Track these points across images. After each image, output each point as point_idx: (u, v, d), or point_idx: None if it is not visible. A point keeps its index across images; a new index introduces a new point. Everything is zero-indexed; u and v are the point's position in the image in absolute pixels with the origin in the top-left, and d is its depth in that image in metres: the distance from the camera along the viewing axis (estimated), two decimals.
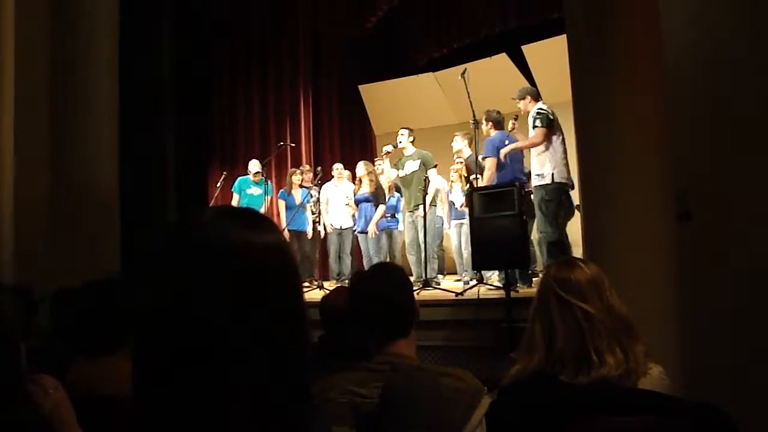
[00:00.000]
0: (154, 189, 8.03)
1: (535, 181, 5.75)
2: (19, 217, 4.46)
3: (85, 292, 2.26)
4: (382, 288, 1.97)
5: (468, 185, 6.89)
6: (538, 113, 5.75)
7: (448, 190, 8.03)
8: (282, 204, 8.21)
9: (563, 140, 5.68)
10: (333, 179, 8.39)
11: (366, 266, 7.63)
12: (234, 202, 7.98)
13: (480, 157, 6.54)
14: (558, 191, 5.63)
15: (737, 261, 3.68)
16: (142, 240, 4.82)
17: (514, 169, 6.30)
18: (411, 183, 7.24)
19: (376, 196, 7.81)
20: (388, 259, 7.85)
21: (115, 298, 2.11)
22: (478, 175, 6.50)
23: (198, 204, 8.81)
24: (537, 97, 6.01)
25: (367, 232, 7.77)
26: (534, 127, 5.72)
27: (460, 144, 7.34)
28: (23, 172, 4.56)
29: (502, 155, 6.15)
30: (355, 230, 8.10)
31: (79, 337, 2.20)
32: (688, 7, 3.95)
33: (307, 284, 7.90)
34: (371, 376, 1.82)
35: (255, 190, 8.18)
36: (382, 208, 7.79)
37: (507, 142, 6.34)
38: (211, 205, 8.42)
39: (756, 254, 3.65)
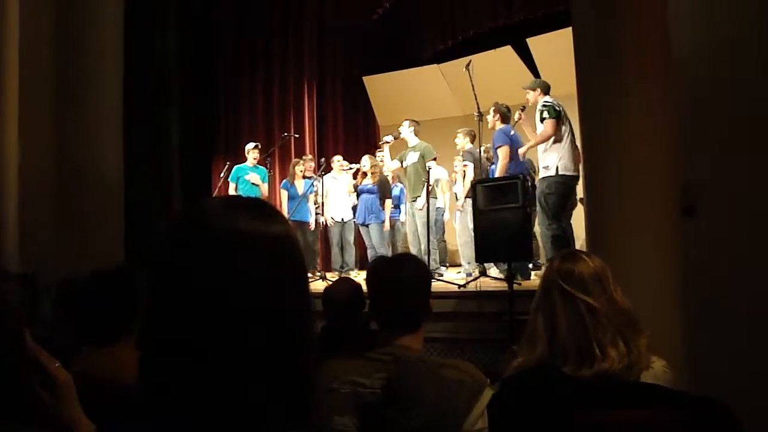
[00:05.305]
0: (159, 179, 8.02)
1: (541, 173, 5.76)
2: (25, 207, 4.47)
3: (90, 281, 2.26)
4: (400, 280, 1.96)
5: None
6: (544, 106, 5.76)
7: (451, 180, 8.06)
8: (284, 194, 8.16)
9: (571, 131, 5.67)
10: (332, 171, 8.36)
11: (370, 258, 7.65)
12: (231, 191, 7.88)
13: (493, 147, 6.57)
14: (561, 184, 5.63)
15: (739, 260, 3.67)
16: (146, 230, 4.83)
17: (519, 164, 6.34)
18: (411, 175, 7.28)
19: (382, 189, 7.81)
20: (391, 250, 7.87)
21: (121, 287, 2.12)
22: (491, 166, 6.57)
23: (202, 194, 8.80)
24: (547, 91, 6.00)
25: (368, 225, 7.76)
26: (542, 119, 5.72)
27: (463, 141, 7.35)
28: (28, 161, 4.57)
29: (520, 155, 6.21)
30: (356, 221, 8.09)
31: (83, 327, 2.21)
32: (695, 4, 3.93)
33: (309, 275, 7.91)
34: (374, 367, 1.82)
35: (252, 176, 7.93)
36: (389, 202, 7.82)
37: (512, 133, 6.38)
38: (214, 195, 8.41)
39: (758, 254, 3.64)
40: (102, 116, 5.01)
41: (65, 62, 4.91)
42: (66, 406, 1.14)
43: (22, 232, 4.41)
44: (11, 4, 4.45)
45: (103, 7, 5.09)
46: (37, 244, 4.52)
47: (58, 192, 4.77)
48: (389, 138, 7.51)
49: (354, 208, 8.23)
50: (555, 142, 5.66)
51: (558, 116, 5.69)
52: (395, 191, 8.07)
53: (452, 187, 8.15)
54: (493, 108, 6.54)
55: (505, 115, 6.55)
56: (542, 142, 5.74)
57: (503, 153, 6.26)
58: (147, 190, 7.07)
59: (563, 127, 5.71)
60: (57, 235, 4.66)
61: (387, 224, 7.80)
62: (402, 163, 7.43)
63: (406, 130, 7.36)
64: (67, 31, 4.92)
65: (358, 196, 8.10)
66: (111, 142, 5.07)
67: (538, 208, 5.75)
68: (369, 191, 7.87)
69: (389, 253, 7.46)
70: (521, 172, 6.11)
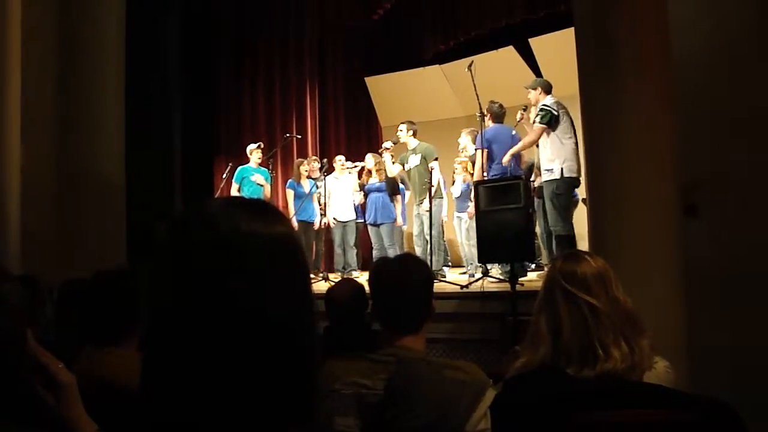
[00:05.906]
0: (161, 180, 8.02)
1: (544, 176, 5.74)
2: (27, 208, 4.47)
3: (92, 282, 2.27)
4: (403, 281, 1.95)
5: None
6: (541, 109, 5.75)
7: (445, 181, 8.05)
8: (290, 193, 8.14)
9: (574, 133, 5.66)
10: (335, 172, 8.33)
11: (376, 258, 7.61)
12: (233, 193, 7.87)
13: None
14: (568, 185, 5.64)
15: (740, 259, 3.67)
16: (148, 231, 4.84)
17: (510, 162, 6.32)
18: (414, 177, 7.26)
19: (390, 186, 7.77)
20: (396, 250, 7.84)
21: (122, 288, 2.12)
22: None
23: (204, 195, 8.80)
24: (549, 90, 5.99)
25: (379, 225, 7.73)
26: (533, 122, 5.74)
27: (464, 140, 7.36)
28: (30, 162, 4.57)
29: (504, 161, 6.18)
30: (367, 221, 8.02)
31: (86, 328, 2.21)
32: (696, 4, 3.93)
33: (312, 276, 7.89)
34: (376, 368, 1.82)
35: (257, 178, 7.93)
36: (399, 198, 7.80)
37: (514, 133, 6.37)
38: (216, 196, 8.39)
39: (759, 252, 3.64)
40: (104, 117, 5.02)
41: (67, 63, 4.91)
42: (68, 406, 1.14)
43: (23, 233, 4.42)
44: (14, 5, 4.46)
45: (105, 8, 5.09)
46: (39, 246, 4.52)
47: (60, 193, 4.77)
48: (388, 144, 7.54)
49: (358, 208, 8.19)
50: (556, 144, 5.65)
51: (550, 122, 5.68)
52: None
53: (451, 187, 8.13)
54: (486, 107, 6.55)
55: (496, 114, 6.56)
56: (528, 146, 5.80)
57: (478, 156, 6.32)
58: (149, 191, 7.08)
59: (562, 131, 5.69)
60: (59, 237, 4.66)
61: (399, 220, 7.76)
62: (404, 165, 7.43)
63: (404, 135, 7.38)
64: (70, 32, 4.93)
65: (366, 195, 8.06)
66: (113, 143, 5.07)
67: (549, 209, 5.75)
68: (377, 189, 7.79)
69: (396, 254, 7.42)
70: (503, 172, 6.13)
